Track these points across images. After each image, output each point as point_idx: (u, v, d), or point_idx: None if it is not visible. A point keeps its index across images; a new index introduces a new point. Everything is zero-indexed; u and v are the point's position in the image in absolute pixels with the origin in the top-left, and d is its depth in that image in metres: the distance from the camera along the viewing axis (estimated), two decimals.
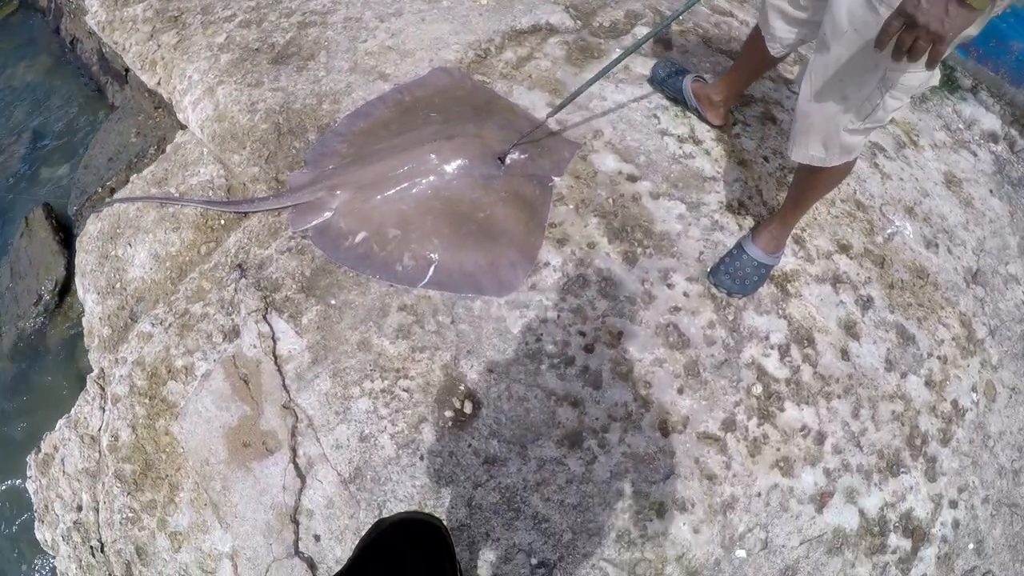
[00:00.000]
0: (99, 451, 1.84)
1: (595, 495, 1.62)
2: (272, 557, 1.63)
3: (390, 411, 1.71)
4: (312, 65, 2.38)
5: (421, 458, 1.66)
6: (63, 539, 1.81)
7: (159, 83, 2.51)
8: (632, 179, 2.09)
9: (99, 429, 1.86)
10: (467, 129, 2.05)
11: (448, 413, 1.70)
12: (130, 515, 1.75)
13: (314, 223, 2.00)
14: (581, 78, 2.25)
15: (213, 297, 1.92)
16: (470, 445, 1.67)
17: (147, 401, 1.83)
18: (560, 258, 1.91)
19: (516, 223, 1.95)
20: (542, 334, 1.80)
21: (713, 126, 2.24)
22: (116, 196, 2.15)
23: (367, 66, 2.36)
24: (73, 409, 1.91)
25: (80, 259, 2.13)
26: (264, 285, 1.91)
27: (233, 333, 1.85)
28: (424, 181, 1.98)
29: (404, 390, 1.73)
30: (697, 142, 2.20)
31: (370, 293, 1.87)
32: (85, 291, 2.08)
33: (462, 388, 1.73)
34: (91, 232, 2.15)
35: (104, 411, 1.87)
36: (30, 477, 1.89)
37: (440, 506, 1.62)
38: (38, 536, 1.87)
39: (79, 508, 1.81)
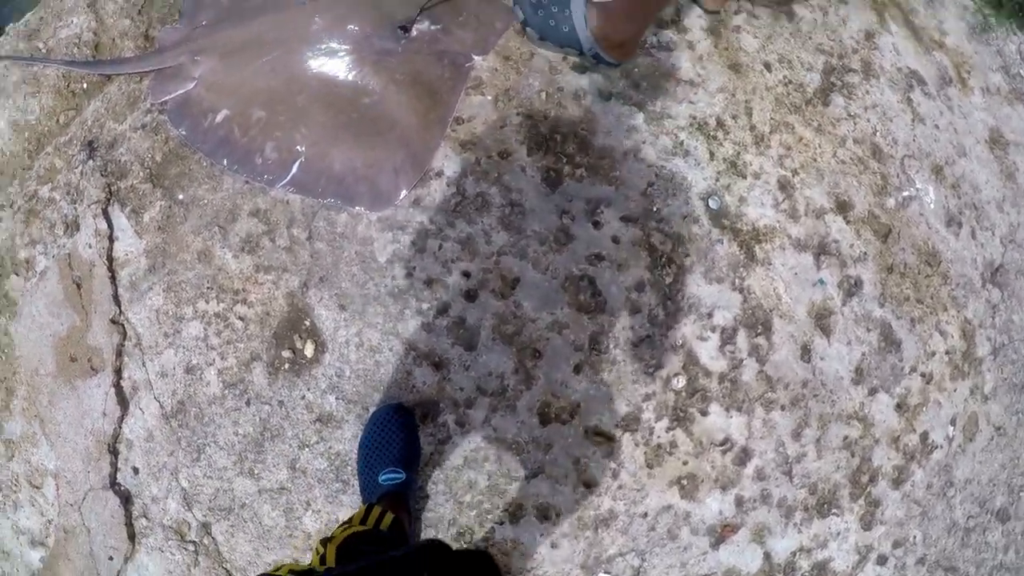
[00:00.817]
0: None
1: (440, 481, 1.30)
2: (89, 485, 1.46)
3: (221, 341, 1.42)
4: None
5: (248, 403, 1.38)
6: None
7: None
8: (580, 69, 1.53)
9: None
10: None
11: (285, 353, 1.39)
12: None
13: (173, 94, 1.61)
14: None
15: (61, 179, 1.63)
16: (303, 397, 1.37)
17: None
18: (459, 167, 1.45)
19: (409, 115, 1.48)
20: (415, 268, 1.40)
21: (707, 10, 1.60)
22: None
23: None
24: None
25: None
26: (111, 170, 1.59)
27: (74, 226, 1.57)
28: (300, 50, 1.52)
29: (240, 318, 1.42)
30: (681, 29, 1.58)
31: (221, 190, 1.51)
32: None
33: (306, 324, 1.40)
34: None
35: None
36: None
37: (259, 462, 1.36)
38: None
39: None
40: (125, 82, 1.69)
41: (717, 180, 1.55)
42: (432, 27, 1.52)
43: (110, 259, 1.53)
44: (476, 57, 1.54)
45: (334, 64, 1.50)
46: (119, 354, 1.47)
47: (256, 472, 1.37)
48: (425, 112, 1.48)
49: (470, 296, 1.39)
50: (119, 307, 1.49)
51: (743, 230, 1.51)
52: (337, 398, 1.35)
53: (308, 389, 1.37)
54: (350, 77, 1.50)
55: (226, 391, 1.40)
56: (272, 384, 1.39)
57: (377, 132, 1.47)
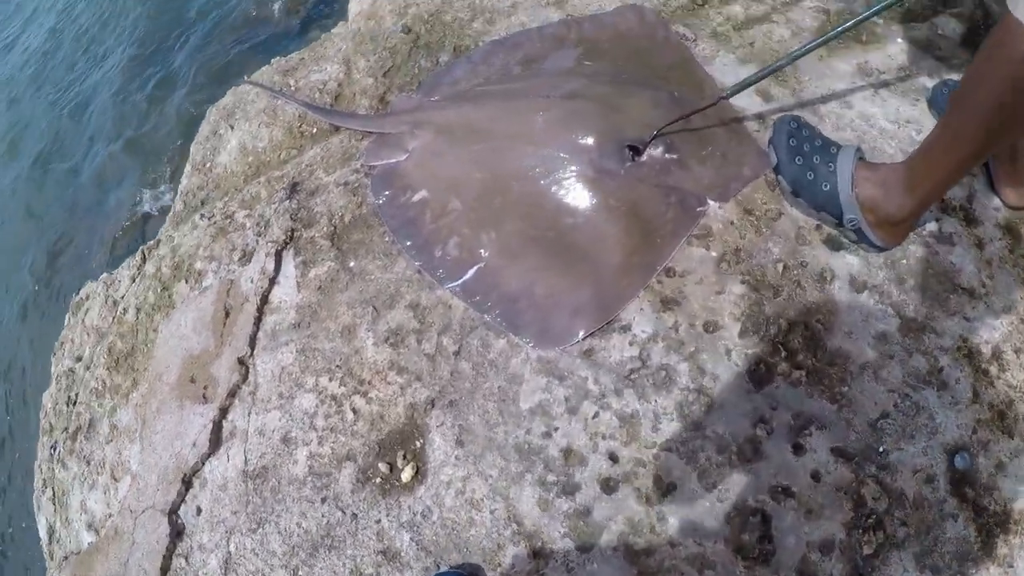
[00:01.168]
0: (113, 317, 1.75)
1: None
2: (152, 502, 1.36)
3: (325, 426, 1.27)
4: None
5: (323, 500, 1.20)
6: (55, 378, 1.80)
7: None
8: (833, 244, 1.22)
9: (121, 296, 1.76)
10: (606, 94, 1.39)
11: (382, 466, 1.20)
12: (99, 388, 1.63)
13: (384, 161, 1.57)
14: (827, 65, 1.39)
15: (258, 210, 1.65)
16: (379, 521, 1.15)
17: (160, 290, 1.66)
18: (651, 327, 1.20)
19: (613, 250, 1.27)
20: (556, 429, 1.15)
21: (1008, 205, 1.24)
22: (249, 77, 2.00)
23: None
24: (118, 268, 1.84)
25: (201, 127, 2.04)
26: (301, 216, 1.57)
27: (249, 256, 1.56)
28: (512, 148, 1.40)
29: (353, 410, 1.26)
30: (971, 220, 1.22)
31: (392, 271, 1.40)
32: (191, 160, 2.00)
33: (416, 445, 1.20)
34: (221, 104, 2.05)
35: (133, 282, 1.76)
36: (68, 312, 1.90)
37: (307, 565, 1.16)
38: (52, 364, 1.89)
39: (78, 358, 1.76)
40: (348, 137, 1.70)
41: (974, 432, 1.12)
42: (667, 155, 1.31)
43: (263, 300, 1.47)
44: (711, 202, 1.30)
45: (543, 171, 1.35)
46: (232, 395, 1.38)
47: (299, 574, 1.16)
48: (631, 252, 1.26)
49: (608, 486, 1.09)
50: (252, 350, 1.42)
51: (990, 510, 1.06)
52: (412, 539, 1.12)
53: (387, 514, 1.15)
54: (557, 190, 1.33)
55: (309, 478, 1.23)
56: (355, 492, 1.19)
57: (569, 260, 1.27)
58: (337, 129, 1.75)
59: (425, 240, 1.41)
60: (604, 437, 1.12)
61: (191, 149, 2.03)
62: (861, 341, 1.17)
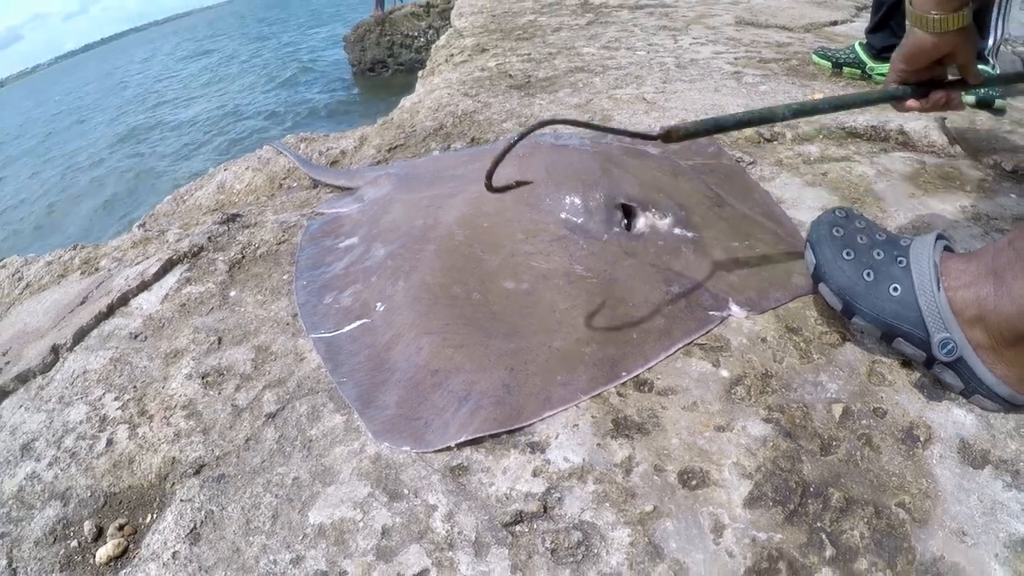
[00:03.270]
0: (6, 290, 1.41)
1: None
2: None
3: (71, 448, 0.78)
4: (546, 89, 1.76)
5: (1, 536, 0.64)
6: None
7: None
8: (931, 393, 0.68)
9: (28, 273, 1.44)
10: (610, 153, 1.04)
11: (87, 527, 0.71)
12: None
13: (333, 209, 1.28)
14: (921, 203, 0.99)
15: (192, 230, 1.37)
16: None
17: (57, 276, 1.34)
18: (583, 457, 0.67)
19: (558, 332, 0.80)
20: (343, 573, 0.58)
21: None
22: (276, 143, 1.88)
23: (593, 107, 1.61)
24: (44, 254, 1.55)
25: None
26: (219, 240, 1.28)
27: (142, 261, 1.24)
28: (469, 190, 1.04)
29: (109, 441, 0.79)
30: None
31: (267, 308, 1.03)
32: (176, 192, 1.79)
33: (144, 519, 0.67)
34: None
35: (48, 265, 1.44)
36: None
37: None
38: None
39: None
40: (319, 192, 1.44)
41: None
42: (678, 230, 0.90)
43: (122, 300, 1.15)
44: (736, 308, 0.83)
45: (496, 220, 0.96)
46: (22, 379, 0.98)
47: None
48: (586, 340, 0.78)
49: None
50: (75, 342, 1.04)
51: None
52: None
53: None
54: (507, 243, 0.93)
55: (11, 502, 0.73)
56: (38, 546, 0.67)
57: (490, 331, 0.81)
58: (315, 185, 1.51)
59: (322, 284, 1.02)
60: None
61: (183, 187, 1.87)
62: (982, 551, 0.56)
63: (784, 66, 1.81)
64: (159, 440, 0.78)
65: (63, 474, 0.77)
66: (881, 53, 1.65)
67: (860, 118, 1.36)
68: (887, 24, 1.62)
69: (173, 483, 0.72)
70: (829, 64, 1.77)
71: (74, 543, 0.69)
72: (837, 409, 0.68)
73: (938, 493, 0.59)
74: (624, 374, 0.76)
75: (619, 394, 0.74)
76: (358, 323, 0.89)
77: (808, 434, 0.66)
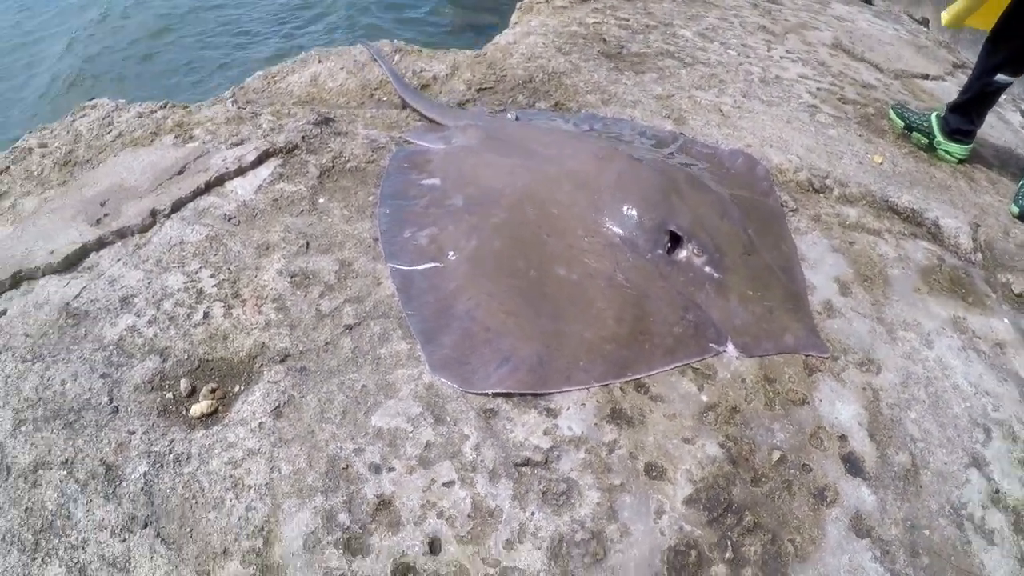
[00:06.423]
0: (98, 132, 1.56)
1: None
2: None
3: (168, 312, 0.99)
4: (635, 67, 1.84)
5: (103, 377, 0.88)
6: (13, 147, 1.55)
7: None
8: (854, 468, 0.89)
9: (120, 121, 1.59)
10: (676, 176, 1.19)
11: (183, 384, 0.92)
12: (33, 172, 1.48)
13: (421, 143, 1.42)
14: (921, 300, 1.15)
15: (285, 121, 1.50)
16: (132, 432, 0.85)
17: (149, 132, 1.52)
18: (583, 430, 0.87)
19: (591, 325, 0.98)
20: (391, 469, 0.80)
21: None
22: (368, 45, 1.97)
23: (672, 104, 1.71)
24: (135, 103, 1.69)
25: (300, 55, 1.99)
26: (312, 141, 1.42)
27: (239, 144, 1.39)
28: (549, 172, 1.20)
29: (205, 313, 0.97)
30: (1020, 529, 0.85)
31: (351, 225, 1.19)
32: (267, 68, 1.89)
33: (233, 388, 0.88)
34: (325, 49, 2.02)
35: (140, 118, 1.59)
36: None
37: (30, 433, 0.79)
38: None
39: (43, 145, 1.53)
40: (408, 116, 1.58)
41: None
42: (708, 269, 1.06)
43: (218, 180, 1.31)
44: (732, 347, 1.01)
45: (565, 210, 1.13)
46: (121, 235, 1.17)
47: (20, 428, 0.79)
48: (610, 338, 0.97)
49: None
50: (173, 211, 1.21)
51: None
52: (146, 474, 0.76)
53: (144, 433, 0.81)
54: (567, 234, 1.09)
55: (112, 348, 0.95)
56: (137, 391, 0.90)
57: (537, 308, 0.99)
58: (404, 107, 1.64)
59: (403, 217, 1.19)
60: (440, 515, 0.76)
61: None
62: None
63: (859, 112, 1.88)
64: (251, 325, 0.98)
65: (162, 334, 0.97)
66: (954, 134, 1.71)
67: (905, 196, 1.48)
68: (970, 111, 1.67)
69: (261, 365, 0.93)
70: (902, 124, 1.83)
71: (170, 395, 0.89)
72: (776, 455, 0.88)
73: (822, 543, 0.80)
74: (630, 374, 0.95)
75: (622, 389, 0.94)
76: (431, 265, 1.07)
77: (748, 466, 0.87)
